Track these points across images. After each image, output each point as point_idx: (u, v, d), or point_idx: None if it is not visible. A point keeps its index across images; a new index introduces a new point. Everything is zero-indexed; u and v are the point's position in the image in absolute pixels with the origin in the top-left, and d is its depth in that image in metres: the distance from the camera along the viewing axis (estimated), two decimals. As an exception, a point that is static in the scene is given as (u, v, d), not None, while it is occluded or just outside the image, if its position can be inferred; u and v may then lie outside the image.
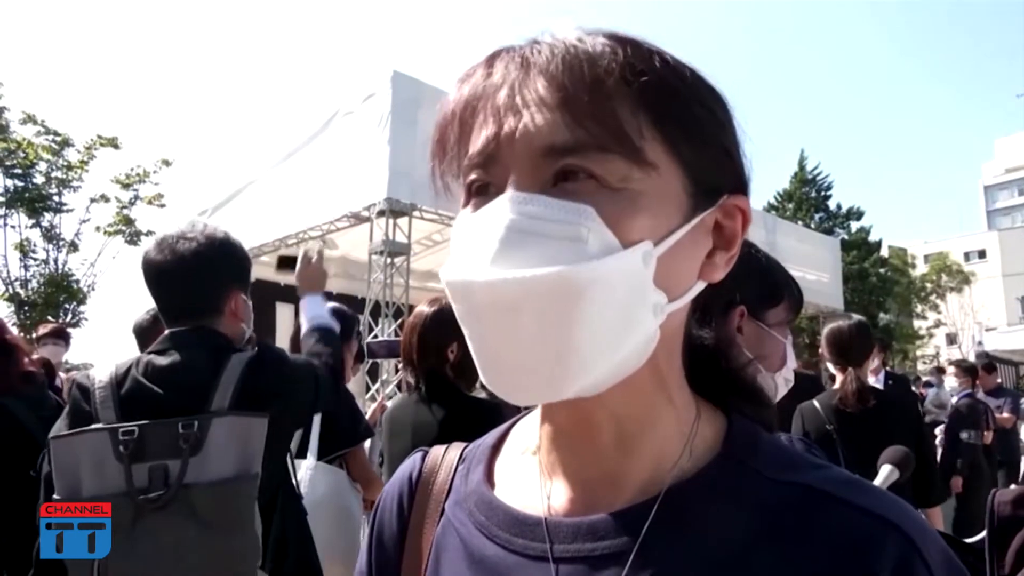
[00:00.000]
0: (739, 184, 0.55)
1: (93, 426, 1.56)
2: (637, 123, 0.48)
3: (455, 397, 2.24)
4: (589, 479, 0.55)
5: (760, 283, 1.22)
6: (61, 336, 5.19)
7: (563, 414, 0.55)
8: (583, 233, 0.46)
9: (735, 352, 0.65)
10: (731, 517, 0.50)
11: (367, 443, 2.84)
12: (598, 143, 0.47)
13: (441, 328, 2.22)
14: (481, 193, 0.51)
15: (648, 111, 0.48)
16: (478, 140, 0.50)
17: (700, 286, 0.54)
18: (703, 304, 0.59)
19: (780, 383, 1.22)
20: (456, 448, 0.69)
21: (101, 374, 1.68)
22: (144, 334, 4.13)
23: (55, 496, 1.49)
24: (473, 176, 0.52)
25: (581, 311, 0.46)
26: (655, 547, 0.50)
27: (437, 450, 0.69)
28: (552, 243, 0.46)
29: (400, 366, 7.07)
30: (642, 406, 0.54)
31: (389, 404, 2.67)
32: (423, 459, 0.69)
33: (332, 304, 2.99)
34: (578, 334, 0.46)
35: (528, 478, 0.59)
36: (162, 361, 1.70)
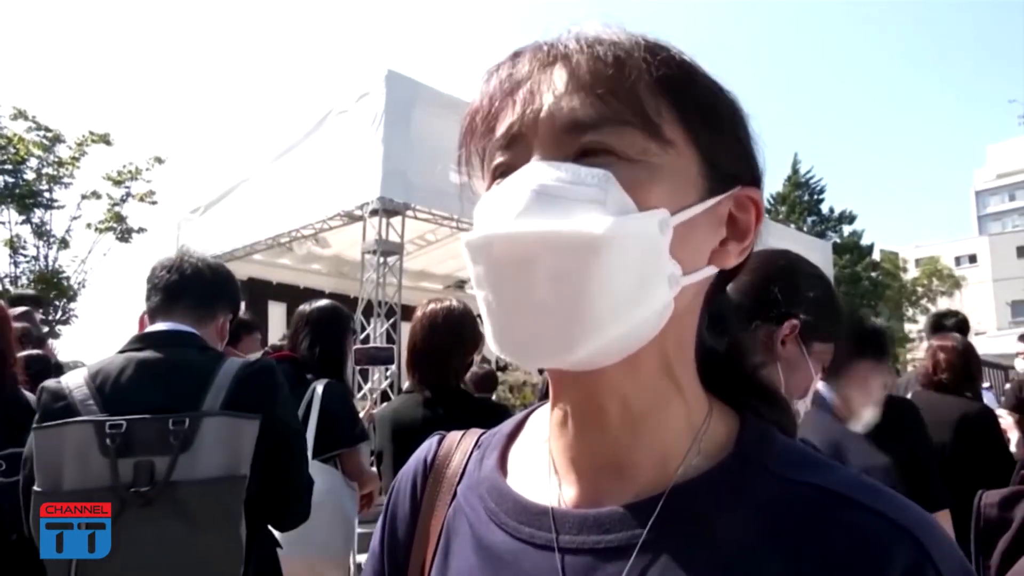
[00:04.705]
0: (753, 177, 0.57)
1: (78, 418, 1.54)
2: (656, 103, 0.51)
3: (462, 398, 2.23)
4: (598, 470, 0.55)
5: (822, 313, 1.22)
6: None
7: (572, 394, 0.56)
8: (603, 196, 0.48)
9: (751, 353, 0.65)
10: (739, 514, 0.50)
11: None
12: (618, 117, 0.50)
13: (453, 329, 2.21)
14: (506, 175, 0.53)
15: (667, 94, 0.51)
16: (503, 124, 0.53)
17: (712, 270, 0.55)
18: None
19: None
20: (472, 435, 0.70)
21: (75, 376, 1.67)
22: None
23: (35, 488, 1.48)
24: (499, 158, 0.54)
25: (598, 268, 0.47)
26: (661, 542, 0.50)
27: (453, 435, 0.70)
28: (574, 204, 0.47)
29: (391, 368, 7.09)
30: (649, 389, 0.54)
31: (383, 405, 2.64)
32: (439, 443, 0.70)
33: (326, 301, 2.98)
34: (594, 292, 0.47)
35: (539, 467, 0.60)
36: (149, 358, 1.68)
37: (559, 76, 0.51)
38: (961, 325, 4.05)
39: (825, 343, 1.23)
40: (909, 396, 3.34)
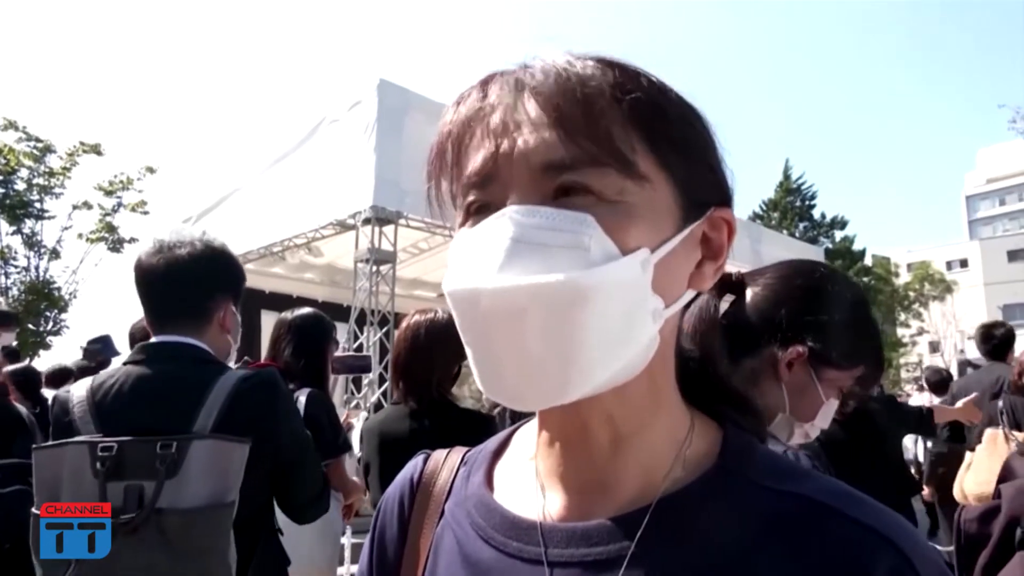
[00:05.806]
0: (723, 197, 0.58)
1: (74, 438, 1.51)
2: (629, 139, 0.50)
3: (448, 409, 2.22)
4: (583, 486, 0.56)
5: (838, 339, 1.14)
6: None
7: (560, 419, 0.56)
8: (585, 241, 0.48)
9: (721, 360, 0.65)
10: (725, 526, 0.50)
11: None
12: (593, 158, 0.49)
13: (437, 339, 2.20)
14: (480, 212, 0.52)
15: (638, 128, 0.51)
16: (476, 160, 0.52)
17: (690, 294, 0.56)
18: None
19: (797, 433, 1.16)
20: (458, 452, 0.70)
21: (79, 389, 1.63)
22: (135, 341, 4.09)
23: (32, 511, 1.45)
24: (472, 196, 0.53)
25: (586, 316, 0.47)
26: (649, 554, 0.50)
27: (439, 453, 0.70)
28: (555, 252, 0.47)
29: (378, 378, 7.06)
30: (636, 409, 0.55)
31: (366, 415, 2.61)
32: (425, 462, 0.70)
33: (308, 309, 2.96)
34: (583, 339, 0.48)
35: (526, 483, 0.60)
36: (144, 373, 1.63)
37: (530, 111, 0.51)
38: (1008, 335, 4.12)
39: (840, 371, 1.15)
40: (1000, 402, 3.48)
